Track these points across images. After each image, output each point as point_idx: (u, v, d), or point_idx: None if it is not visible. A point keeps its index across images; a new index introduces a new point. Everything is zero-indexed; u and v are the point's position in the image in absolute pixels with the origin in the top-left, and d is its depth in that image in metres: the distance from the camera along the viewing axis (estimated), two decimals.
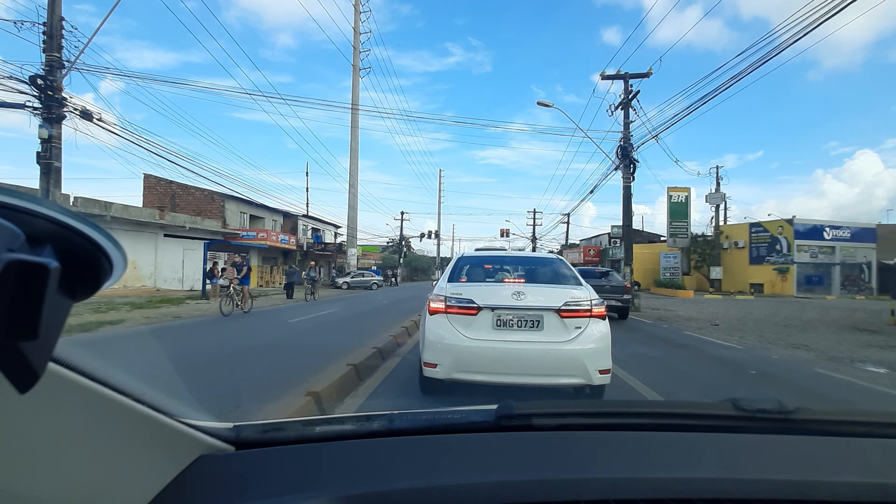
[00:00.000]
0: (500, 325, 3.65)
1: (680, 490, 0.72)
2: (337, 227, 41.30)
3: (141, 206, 23.99)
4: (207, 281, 18.37)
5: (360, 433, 0.93)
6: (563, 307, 3.64)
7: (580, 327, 3.63)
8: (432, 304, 3.81)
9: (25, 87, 10.05)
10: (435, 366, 3.64)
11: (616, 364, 4.04)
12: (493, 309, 3.66)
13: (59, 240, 0.40)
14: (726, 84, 11.50)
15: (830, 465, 0.81)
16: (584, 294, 3.79)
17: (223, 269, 15.47)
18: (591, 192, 22.80)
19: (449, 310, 3.71)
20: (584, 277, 4.33)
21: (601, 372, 3.58)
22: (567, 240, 46.64)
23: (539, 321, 3.65)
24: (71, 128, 10.74)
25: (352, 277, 32.49)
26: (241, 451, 0.82)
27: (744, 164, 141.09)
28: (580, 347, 3.57)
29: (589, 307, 3.68)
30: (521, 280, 4.19)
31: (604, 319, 3.77)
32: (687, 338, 9.34)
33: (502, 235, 47.94)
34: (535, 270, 4.55)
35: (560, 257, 4.91)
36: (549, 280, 4.24)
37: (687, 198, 28.83)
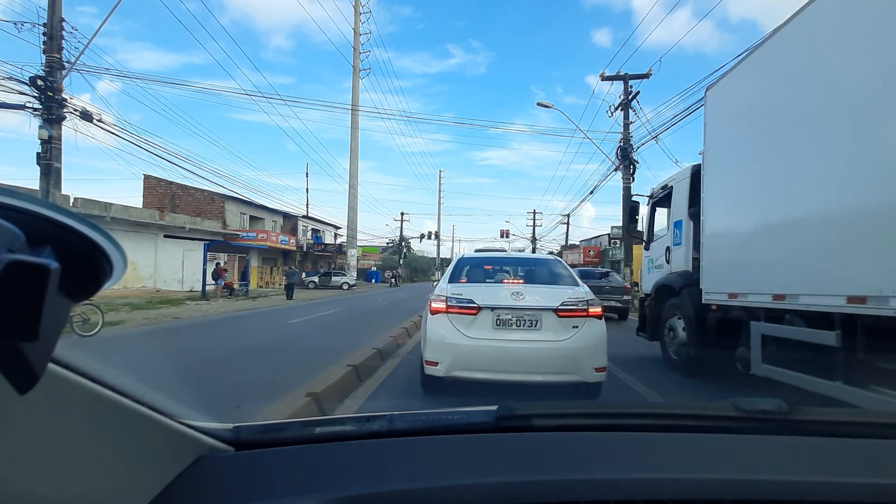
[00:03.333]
0: (499, 325, 3.71)
1: (680, 490, 0.72)
2: (337, 227, 41.30)
3: (141, 206, 23.99)
4: (213, 282, 18.42)
5: (359, 434, 0.93)
6: (560, 307, 3.70)
7: (577, 326, 3.70)
8: (434, 304, 3.86)
9: (25, 88, 10.06)
10: (436, 364, 3.70)
11: (616, 365, 4.05)
12: (492, 309, 3.71)
13: (59, 241, 0.39)
14: None
15: (830, 466, 0.81)
16: (581, 294, 3.86)
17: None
18: (591, 192, 22.86)
19: (450, 310, 3.76)
20: (583, 278, 4.40)
21: (597, 370, 3.65)
22: (567, 240, 46.61)
23: (537, 321, 3.70)
24: (71, 129, 10.76)
25: (319, 277, 31.02)
26: (240, 451, 0.82)
27: None
28: (577, 346, 3.64)
29: (585, 307, 3.75)
30: (520, 280, 4.26)
31: (600, 319, 3.83)
32: None
33: (502, 236, 47.90)
34: (533, 271, 4.61)
35: (558, 258, 4.99)
36: (547, 280, 4.30)
37: None
